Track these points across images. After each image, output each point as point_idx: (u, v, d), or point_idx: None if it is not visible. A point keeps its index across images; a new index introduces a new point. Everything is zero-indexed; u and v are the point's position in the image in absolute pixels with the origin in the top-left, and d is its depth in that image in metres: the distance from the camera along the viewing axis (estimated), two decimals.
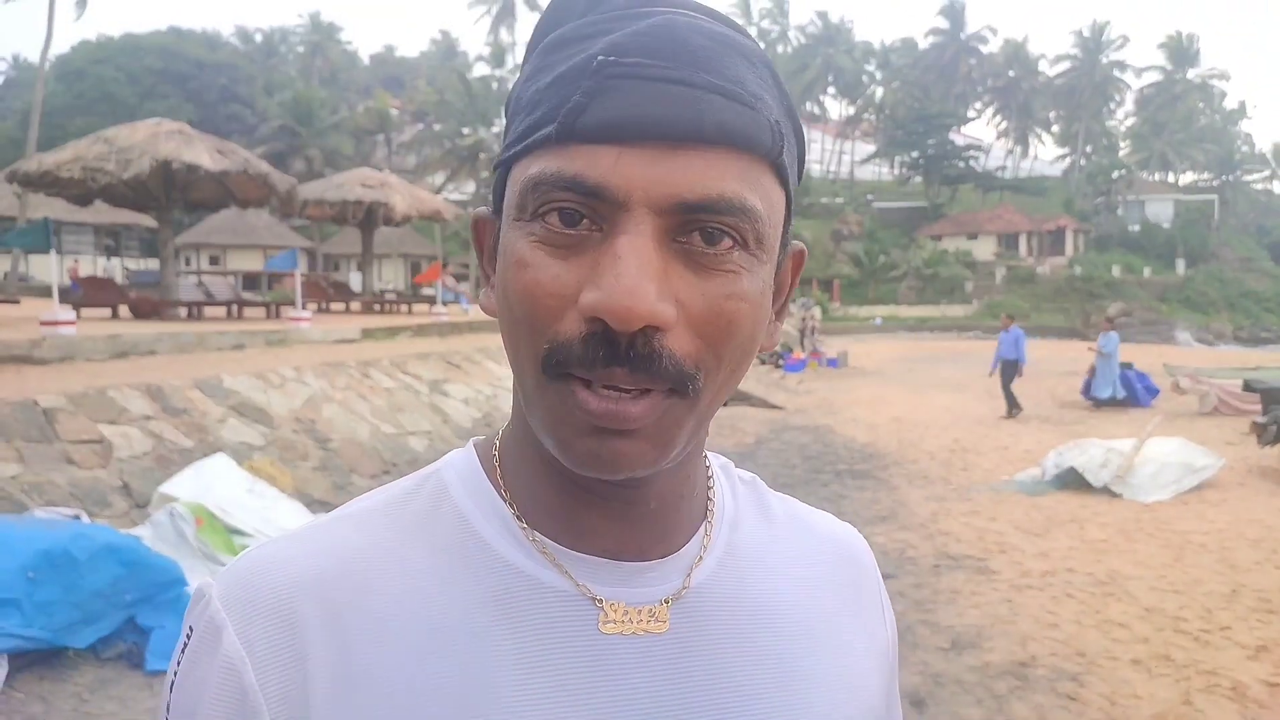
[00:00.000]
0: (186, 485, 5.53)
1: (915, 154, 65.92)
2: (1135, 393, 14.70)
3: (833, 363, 24.64)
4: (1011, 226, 58.35)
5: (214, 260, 36.62)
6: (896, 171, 70.74)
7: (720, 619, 0.58)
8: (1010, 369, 14.08)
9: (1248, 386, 11.51)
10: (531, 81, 0.50)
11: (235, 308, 14.58)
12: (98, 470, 5.52)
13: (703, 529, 0.61)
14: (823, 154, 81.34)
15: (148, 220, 28.09)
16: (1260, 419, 9.00)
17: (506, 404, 10.52)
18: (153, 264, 32.34)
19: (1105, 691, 4.19)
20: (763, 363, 22.62)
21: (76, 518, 4.72)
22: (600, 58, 0.46)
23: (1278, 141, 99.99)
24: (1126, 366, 15.32)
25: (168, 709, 0.55)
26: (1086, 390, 15.07)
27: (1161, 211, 61.97)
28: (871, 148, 75.82)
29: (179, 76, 47.99)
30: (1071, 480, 8.55)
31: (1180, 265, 55.56)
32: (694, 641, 0.57)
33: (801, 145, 0.55)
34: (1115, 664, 4.51)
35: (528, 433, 0.56)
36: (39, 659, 3.94)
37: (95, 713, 3.69)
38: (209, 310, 13.71)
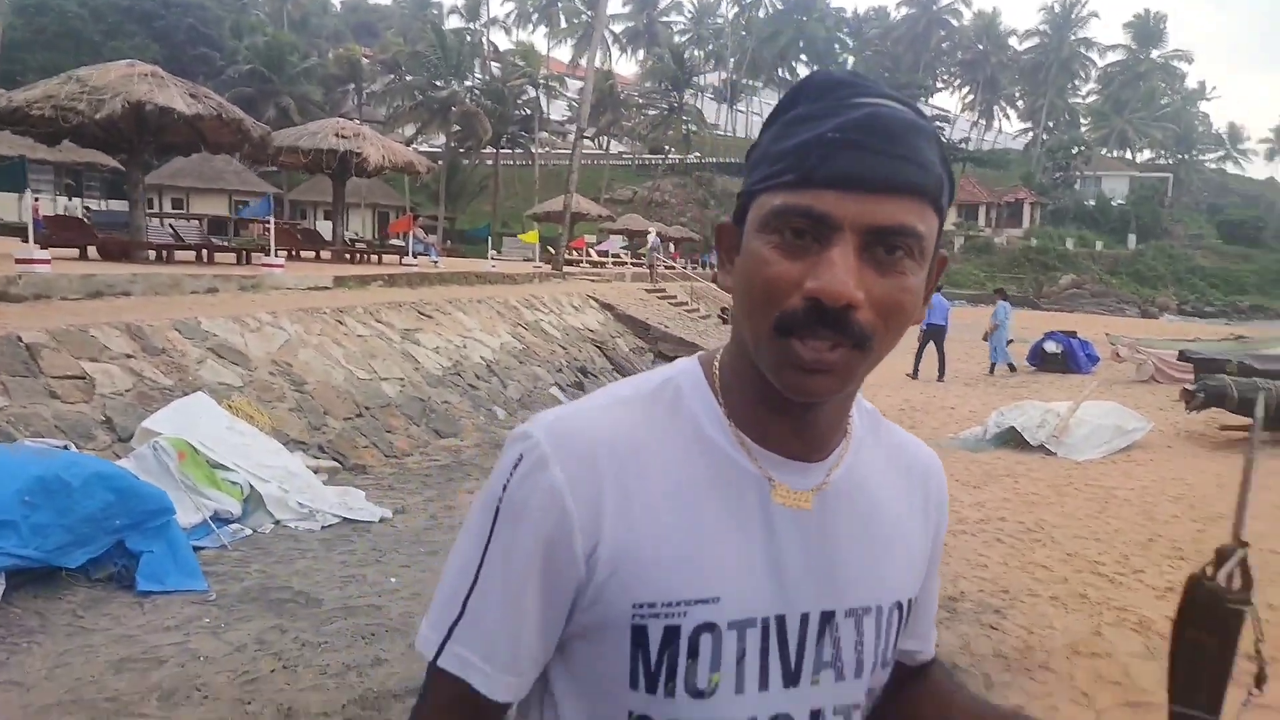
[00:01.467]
0: (168, 421, 5.74)
1: None
2: (1077, 360, 15.33)
3: None
4: (972, 197, 59.22)
5: (177, 204, 35.96)
6: None
7: (843, 506, 0.85)
8: (937, 334, 14.76)
9: (1183, 356, 12.11)
10: (776, 143, 0.74)
11: (205, 252, 14.54)
12: (81, 405, 5.70)
13: (842, 445, 0.86)
14: None
15: (109, 160, 27.53)
16: (1190, 386, 9.54)
17: (475, 354, 10.77)
18: (114, 205, 31.71)
19: (1024, 623, 4.62)
20: (725, 323, 22.98)
21: (66, 448, 4.92)
22: (830, 134, 0.70)
23: (1234, 122, 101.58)
24: (1070, 334, 15.93)
25: (498, 509, 0.78)
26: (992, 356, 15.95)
27: (1117, 188, 63.29)
28: None
29: (145, 14, 46.55)
30: (1011, 439, 9.05)
31: (1132, 240, 56.91)
32: (828, 518, 0.83)
33: (952, 184, 0.77)
34: (1036, 600, 4.95)
35: (742, 365, 0.81)
36: (34, 578, 4.19)
37: (89, 627, 3.94)
38: (179, 254, 13.68)
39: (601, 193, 48.46)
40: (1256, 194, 74.83)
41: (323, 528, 5.62)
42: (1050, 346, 16.00)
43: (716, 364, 0.85)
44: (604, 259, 32.51)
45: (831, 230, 0.70)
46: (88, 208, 26.12)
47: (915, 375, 14.90)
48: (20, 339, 5.76)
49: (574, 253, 30.21)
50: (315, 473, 6.38)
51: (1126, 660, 4.13)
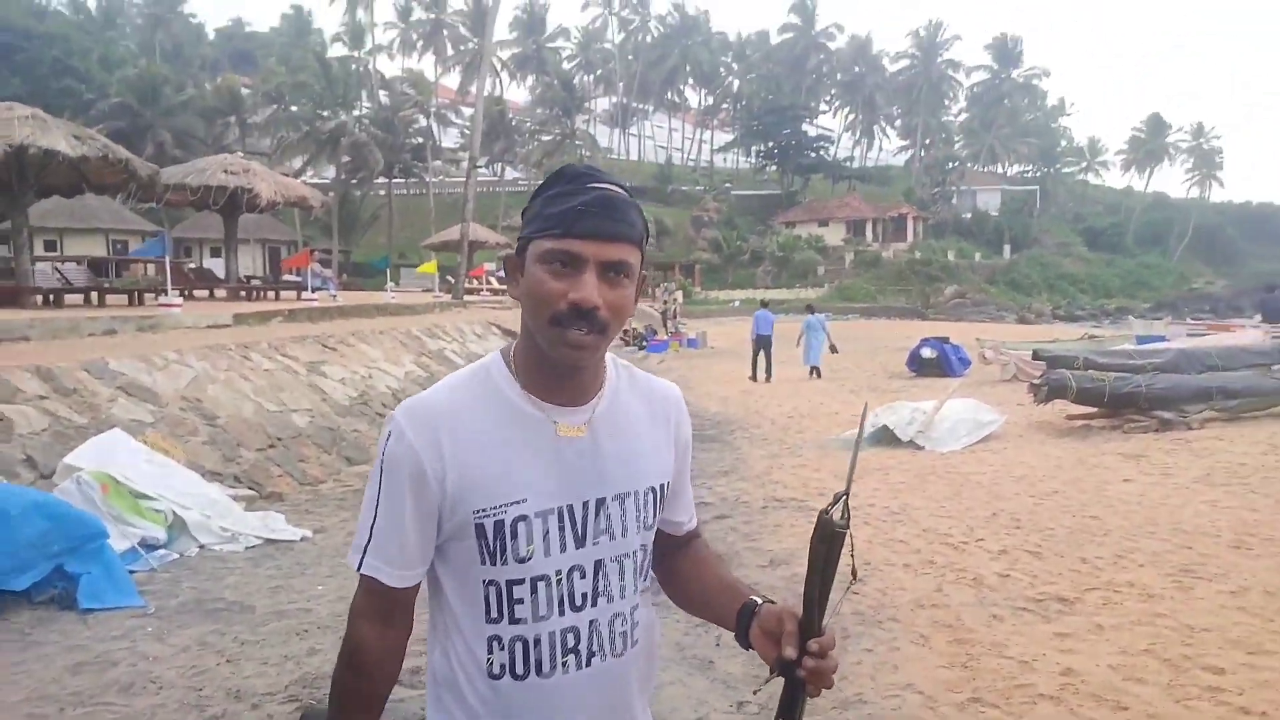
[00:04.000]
0: (88, 456, 5.98)
1: (770, 144, 68.75)
2: (950, 363, 16.58)
3: (693, 343, 25.98)
4: (859, 214, 61.82)
5: (50, 246, 34.49)
6: (753, 160, 73.46)
7: (607, 430, 1.29)
8: (764, 343, 17.12)
9: (1036, 355, 13.34)
10: (546, 207, 1.19)
11: (96, 294, 14.39)
12: (0, 445, 5.91)
13: (600, 392, 1.30)
14: (683, 142, 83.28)
15: None
16: (1035, 381, 10.66)
17: (381, 384, 11.12)
18: None
19: (880, 587, 5.34)
20: (627, 344, 23.68)
21: None
22: (579, 206, 1.16)
23: (1092, 136, 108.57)
24: (943, 340, 17.22)
25: (381, 463, 1.23)
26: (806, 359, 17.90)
27: (990, 200, 67.17)
28: (729, 136, 78.28)
29: (4, 48, 44.50)
30: (884, 437, 9.94)
31: (1007, 250, 60.32)
32: (596, 440, 1.28)
33: (648, 231, 1.26)
34: (891, 568, 5.69)
35: (529, 349, 1.25)
36: None
37: (40, 641, 4.26)
38: (68, 298, 13.53)
39: (499, 220, 48.61)
40: (1117, 202, 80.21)
41: (246, 549, 5.97)
42: (926, 352, 17.23)
43: (512, 352, 1.30)
44: (504, 286, 32.77)
45: (582, 263, 1.16)
46: None
47: (754, 378, 17.12)
48: None
49: (474, 281, 30.43)
50: (234, 500, 6.69)
51: (959, 609, 4.89)
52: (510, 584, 1.22)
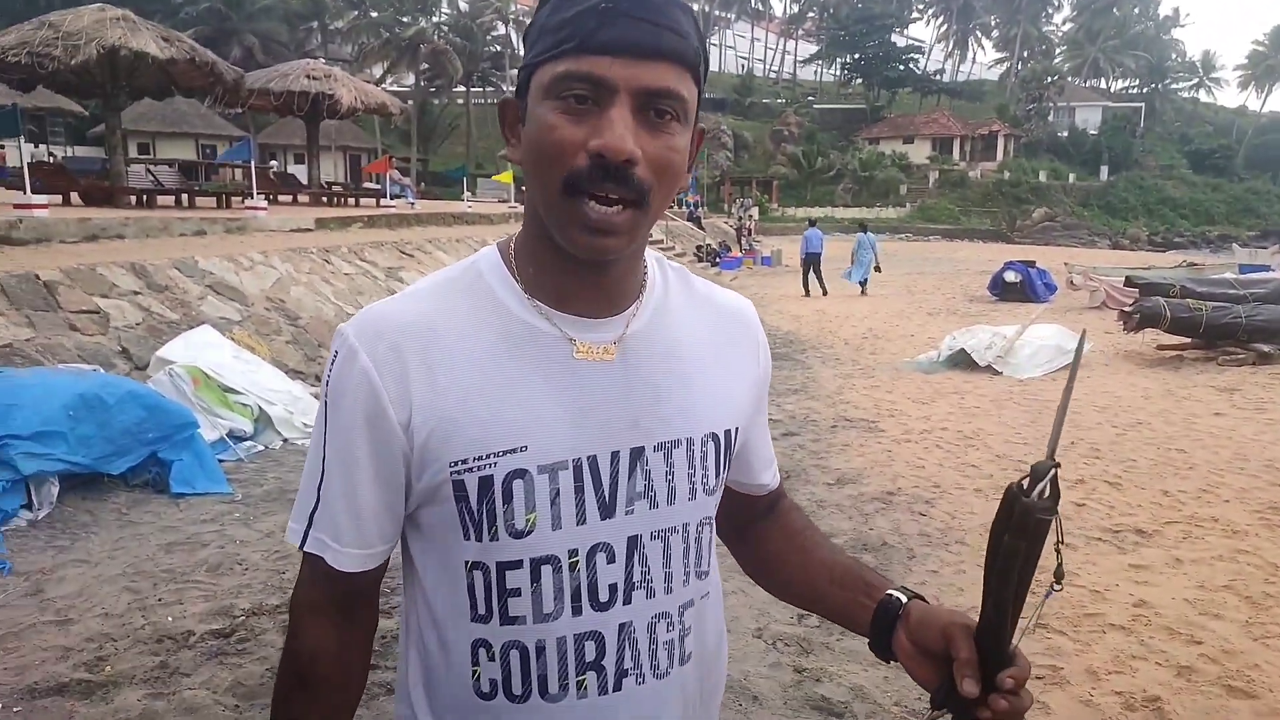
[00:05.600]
0: (180, 351, 6.24)
1: (857, 55, 66.07)
2: (1035, 288, 16.01)
3: (766, 261, 25.63)
4: (946, 131, 59.32)
5: (143, 149, 35.54)
6: (838, 73, 70.75)
7: (647, 353, 0.92)
8: (814, 260, 17.89)
9: (1129, 282, 12.78)
10: (553, 15, 0.81)
11: (186, 197, 14.80)
12: (99, 337, 6.19)
13: (640, 299, 0.94)
14: (765, 53, 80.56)
15: (73, 106, 27.21)
16: (1127, 308, 10.22)
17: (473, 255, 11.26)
18: (79, 151, 31.41)
19: (949, 510, 5.29)
20: (700, 260, 23.48)
21: (97, 371, 5.44)
22: (603, 5, 0.78)
23: (1207, 50, 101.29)
24: (1029, 264, 16.60)
25: (325, 398, 0.88)
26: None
27: (1090, 118, 63.51)
28: (814, 48, 75.39)
29: None
30: (961, 360, 9.72)
31: (1104, 172, 57.38)
32: (630, 366, 0.91)
33: (707, 59, 0.87)
34: (962, 493, 5.62)
35: (535, 238, 0.89)
36: (81, 483, 4.75)
37: (136, 521, 4.54)
38: (159, 199, 13.95)
39: None
40: (1229, 123, 75.24)
41: None
42: (1009, 276, 16.65)
43: (512, 245, 0.93)
44: None
45: (609, 93, 0.79)
46: (52, 154, 25.96)
47: (807, 293, 17.86)
48: (38, 277, 6.22)
49: None
50: (316, 397, 6.93)
51: None
52: (502, 568, 0.87)
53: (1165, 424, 7.28)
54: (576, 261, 0.85)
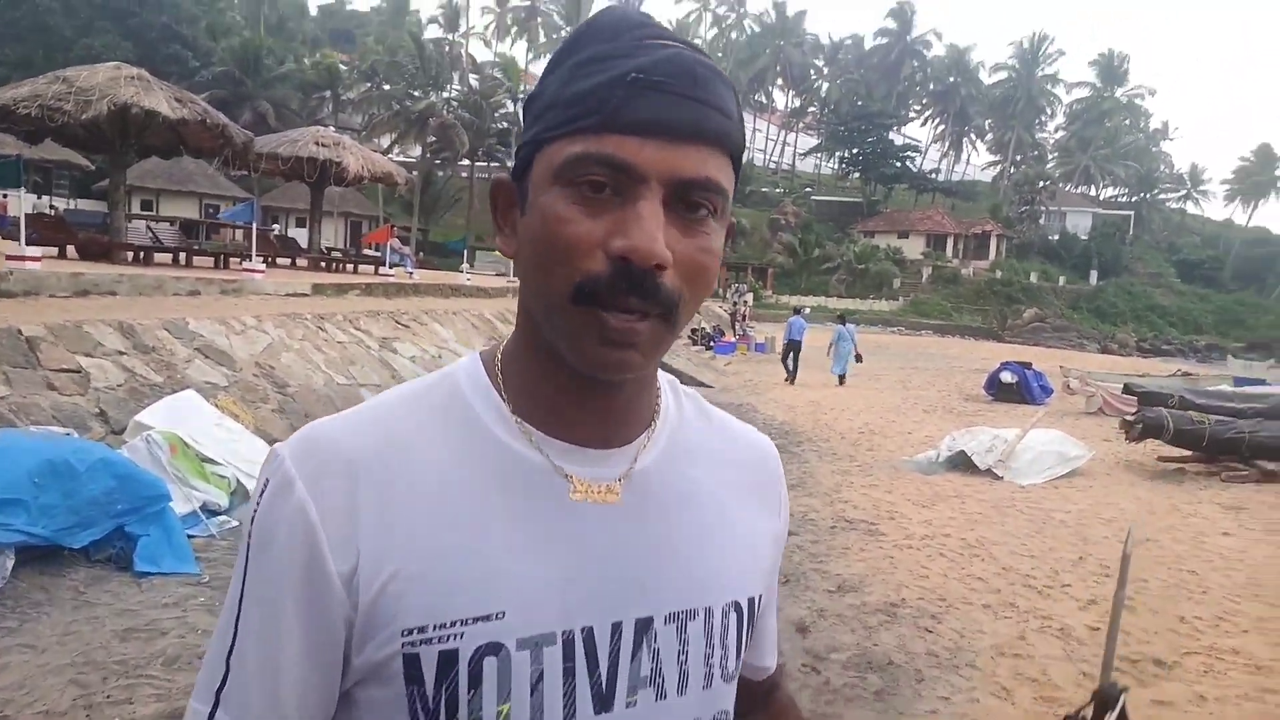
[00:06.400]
0: (160, 415, 6.00)
1: (855, 150, 67.62)
2: (1031, 390, 15.94)
3: (760, 347, 25.59)
4: (940, 228, 60.36)
5: (146, 205, 35.75)
6: (836, 166, 72.32)
7: (660, 496, 0.74)
8: (795, 347, 18.19)
9: (1127, 389, 12.70)
10: (567, 87, 0.65)
11: (184, 255, 14.72)
12: (76, 397, 5.95)
13: (651, 427, 0.77)
14: (766, 144, 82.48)
15: (79, 160, 27.43)
16: (1129, 417, 10.09)
17: (450, 364, 11.08)
18: (83, 204, 31.54)
19: (957, 627, 5.03)
20: (694, 343, 23.43)
21: (70, 435, 5.19)
22: (633, 75, 0.63)
23: (1195, 163, 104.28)
24: (1025, 365, 16.56)
25: (250, 538, 0.68)
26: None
27: (1080, 223, 64.91)
28: (814, 140, 77.26)
29: (118, 12, 46.26)
30: (961, 462, 9.52)
31: (1094, 276, 58.28)
32: (638, 512, 0.73)
33: (743, 135, 0.71)
34: (969, 607, 5.37)
35: (529, 348, 0.72)
36: (39, 556, 4.45)
37: (93, 601, 4.23)
38: (157, 256, 13.85)
39: None
40: (1215, 234, 76.84)
41: None
42: (1006, 376, 16.60)
43: (499, 355, 0.76)
44: None
45: (637, 182, 0.63)
46: (55, 206, 26.03)
47: (792, 381, 17.87)
48: (20, 332, 6.01)
49: None
50: None
51: (1045, 661, 4.55)
52: None
53: (1174, 542, 7.06)
54: (580, 379, 0.69)
